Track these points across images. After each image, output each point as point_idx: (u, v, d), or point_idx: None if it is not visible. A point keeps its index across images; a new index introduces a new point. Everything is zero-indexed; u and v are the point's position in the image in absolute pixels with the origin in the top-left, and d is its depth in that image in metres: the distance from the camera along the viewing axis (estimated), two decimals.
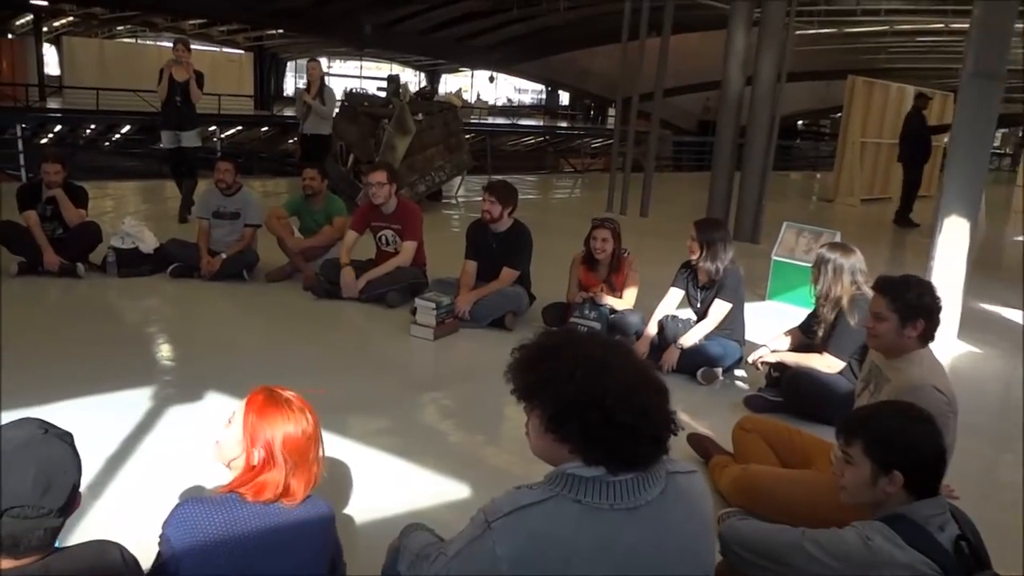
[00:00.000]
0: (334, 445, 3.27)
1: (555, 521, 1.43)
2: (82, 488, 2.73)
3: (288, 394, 1.88)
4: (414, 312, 4.82)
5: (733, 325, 4.39)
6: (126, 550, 1.64)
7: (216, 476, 1.92)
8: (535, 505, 1.44)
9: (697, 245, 4.28)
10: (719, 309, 4.31)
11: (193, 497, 1.82)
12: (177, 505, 1.79)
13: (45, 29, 31.19)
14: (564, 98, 44.01)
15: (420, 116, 9.17)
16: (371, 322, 5.15)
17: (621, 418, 1.43)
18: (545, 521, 1.43)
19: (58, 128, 21.92)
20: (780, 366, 3.95)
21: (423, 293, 4.94)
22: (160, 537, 1.76)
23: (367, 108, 9.50)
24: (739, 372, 4.48)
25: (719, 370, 4.34)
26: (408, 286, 5.33)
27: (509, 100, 49.34)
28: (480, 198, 5.26)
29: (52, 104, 26.68)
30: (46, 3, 26.07)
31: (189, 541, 1.72)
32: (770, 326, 4.73)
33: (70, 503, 1.48)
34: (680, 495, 1.52)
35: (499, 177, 9.33)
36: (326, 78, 9.15)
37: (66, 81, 28.77)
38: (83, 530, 2.59)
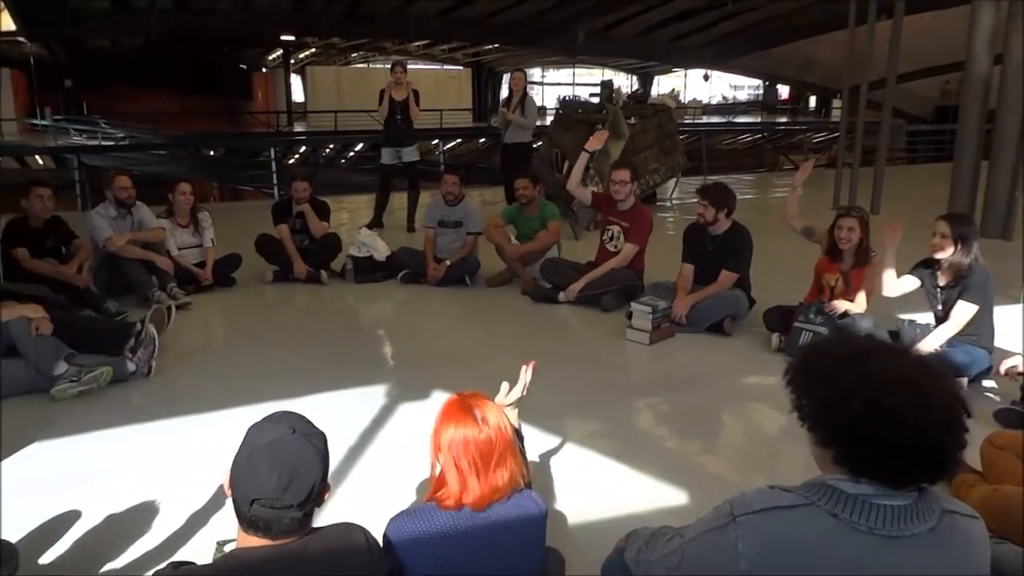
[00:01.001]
0: (551, 447, 3.36)
1: (806, 531, 1.34)
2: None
3: (477, 401, 1.92)
4: (630, 316, 4.82)
5: (980, 330, 3.98)
6: (369, 533, 1.76)
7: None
8: (787, 509, 1.37)
9: (950, 241, 3.92)
10: (964, 311, 3.92)
11: (404, 510, 1.93)
12: (392, 518, 1.91)
13: (292, 61, 34.61)
14: (783, 92, 41.98)
15: (633, 120, 9.15)
16: (586, 326, 5.22)
17: (906, 443, 1.31)
18: (795, 528, 1.35)
19: (303, 149, 24.19)
20: None
21: (639, 297, 4.94)
22: (383, 542, 1.88)
23: (581, 115, 9.61)
24: (988, 383, 4.04)
25: (965, 380, 3.94)
26: (624, 290, 5.34)
27: (724, 98, 47.88)
28: (695, 200, 5.17)
29: (298, 128, 29.55)
30: (293, 38, 28.85)
31: (406, 552, 1.84)
32: None
33: (311, 498, 1.58)
34: (955, 538, 1.37)
35: (714, 178, 9.10)
36: (532, 87, 9.31)
37: (309, 106, 31.77)
38: (326, 514, 2.85)
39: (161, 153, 19.23)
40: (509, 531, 1.88)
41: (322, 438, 1.65)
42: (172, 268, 5.62)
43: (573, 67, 43.86)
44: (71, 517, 2.80)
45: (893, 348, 1.53)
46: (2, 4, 17.18)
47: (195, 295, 5.65)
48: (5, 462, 3.25)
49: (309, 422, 1.67)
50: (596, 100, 10.73)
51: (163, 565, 1.75)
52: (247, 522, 1.57)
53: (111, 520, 2.80)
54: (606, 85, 10.75)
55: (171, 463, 3.24)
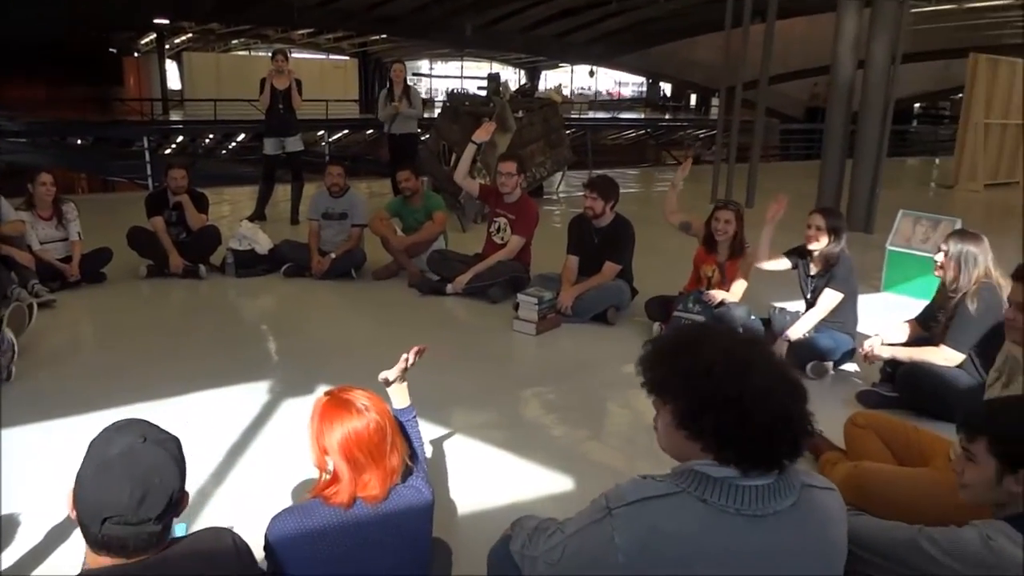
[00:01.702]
0: (438, 438, 3.36)
1: (678, 518, 1.39)
2: (207, 476, 2.92)
3: (351, 394, 1.88)
4: (516, 307, 4.88)
5: (844, 317, 4.23)
6: (238, 536, 1.67)
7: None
8: (659, 498, 1.41)
9: (825, 232, 4.14)
10: (830, 298, 4.16)
11: (286, 508, 1.87)
12: (273, 517, 1.84)
13: (167, 46, 33.07)
14: (666, 90, 43.32)
15: (520, 113, 9.23)
16: (474, 317, 5.24)
17: (759, 419, 1.38)
18: (668, 517, 1.39)
19: (180, 139, 23.16)
20: (894, 361, 3.79)
21: (525, 288, 4.99)
22: (264, 547, 1.82)
23: (468, 107, 9.62)
24: (851, 367, 4.31)
25: (829, 364, 4.20)
26: (510, 281, 5.39)
27: (609, 94, 48.96)
28: (581, 193, 5.26)
29: (174, 116, 28.26)
30: (168, 22, 27.57)
31: (286, 549, 1.78)
32: (885, 318, 4.54)
33: (170, 509, 1.47)
34: (814, 511, 1.46)
35: (600, 172, 9.28)
36: (420, 79, 9.20)
37: (186, 94, 30.41)
38: (205, 516, 2.76)
39: (22, 141, 17.99)
40: (395, 524, 1.85)
41: (176, 443, 1.53)
42: (33, 263, 5.25)
43: (461, 60, 43.86)
44: None
45: (734, 336, 1.62)
46: None
47: (60, 292, 5.31)
48: None
49: (159, 428, 1.54)
50: (483, 93, 10.75)
51: None
52: (98, 543, 1.43)
53: None
54: (493, 78, 10.83)
55: (34, 473, 3.04)
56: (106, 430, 1.50)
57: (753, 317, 4.51)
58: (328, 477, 1.86)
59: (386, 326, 5.08)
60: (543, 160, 9.36)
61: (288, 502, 2.79)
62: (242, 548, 1.65)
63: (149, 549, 1.46)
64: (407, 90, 8.46)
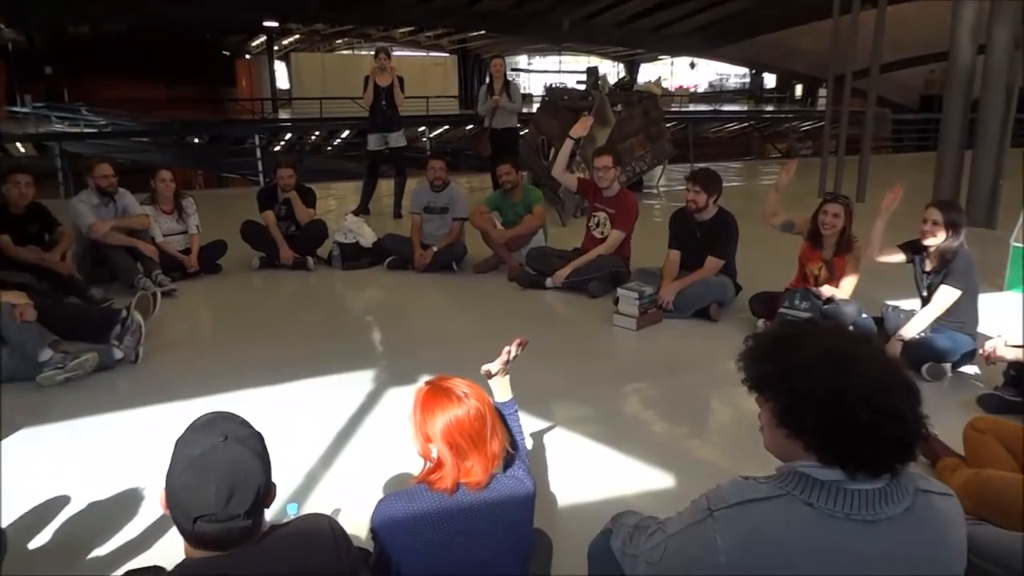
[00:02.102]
0: (538, 431, 3.37)
1: (782, 521, 1.35)
2: (315, 460, 3.03)
3: (451, 382, 1.91)
4: (617, 302, 4.85)
5: (964, 316, 4.01)
6: (335, 521, 1.70)
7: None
8: (762, 501, 1.38)
9: (942, 227, 3.94)
10: (946, 295, 3.94)
11: (394, 492, 1.92)
12: (380, 501, 1.89)
13: (276, 48, 34.33)
14: (770, 80, 42.06)
15: (619, 107, 9.15)
16: (574, 311, 5.23)
17: (863, 418, 1.32)
18: (771, 520, 1.36)
19: (288, 136, 24.03)
20: (1019, 363, 3.57)
21: (625, 283, 4.95)
22: (371, 530, 1.87)
23: (567, 102, 9.60)
24: (971, 369, 4.09)
25: (947, 366, 3.99)
26: (610, 276, 5.36)
27: (711, 85, 47.90)
28: (683, 187, 5.18)
29: (283, 115, 29.34)
30: (276, 24, 28.61)
31: (391, 533, 1.82)
32: (1009, 319, 4.29)
33: (258, 503, 1.50)
34: (931, 518, 1.38)
35: (702, 165, 9.12)
36: (519, 74, 9.20)
37: (294, 93, 31.56)
38: (313, 499, 2.86)
39: (144, 141, 19.04)
40: (497, 513, 1.87)
41: (259, 439, 1.55)
42: (157, 255, 5.59)
43: (559, 54, 43.77)
44: (59, 503, 2.80)
45: (838, 332, 1.55)
46: None
47: (181, 282, 5.62)
48: (10, 447, 3.24)
49: (243, 422, 1.56)
50: (582, 87, 10.70)
51: (122, 572, 1.69)
52: (192, 540, 1.48)
53: (96, 507, 2.80)
54: (592, 72, 10.76)
55: (157, 451, 3.21)
56: (189, 430, 1.53)
57: (864, 315, 4.33)
58: (425, 463, 1.91)
59: (486, 319, 5.14)
60: (643, 154, 9.26)
61: (392, 488, 2.87)
62: (338, 533, 1.67)
63: (243, 541, 1.49)
64: (507, 85, 8.51)
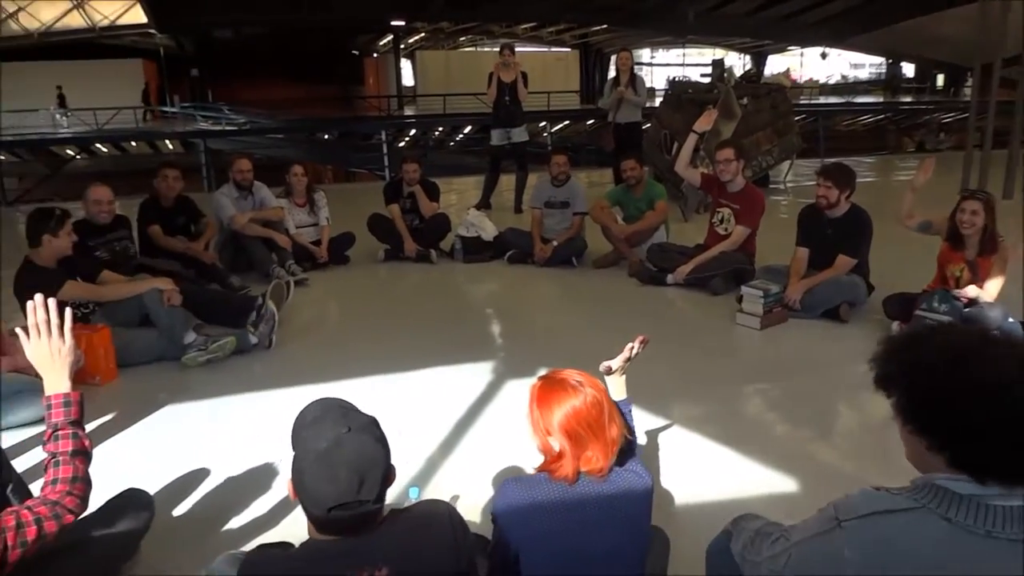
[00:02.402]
0: (655, 429, 3.34)
1: (917, 536, 1.28)
2: (432, 449, 3.11)
3: (563, 373, 1.91)
4: (740, 300, 4.72)
5: None
6: (453, 508, 1.75)
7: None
8: (895, 513, 1.30)
9: None
10: None
11: (514, 478, 1.93)
12: (500, 486, 1.91)
13: (402, 46, 35.27)
14: (909, 70, 39.83)
15: (746, 100, 8.89)
16: (695, 309, 5.14)
17: (988, 419, 1.24)
18: (904, 533, 1.28)
19: (412, 132, 24.69)
20: None
21: (750, 281, 4.82)
22: (491, 515, 1.90)
23: (691, 95, 9.41)
24: None
25: None
26: (734, 273, 5.23)
27: (844, 77, 45.80)
28: (812, 182, 4.98)
29: (408, 111, 30.17)
30: (403, 23, 29.40)
31: (510, 520, 1.83)
32: None
33: (384, 488, 1.57)
34: None
35: (833, 160, 8.74)
36: (641, 68, 9.06)
37: (419, 90, 32.37)
38: (433, 485, 2.93)
39: (279, 137, 20.01)
40: (616, 506, 1.86)
41: (376, 424, 1.62)
42: (290, 245, 5.88)
43: (683, 47, 42.91)
44: (200, 475, 3.00)
45: (977, 333, 1.41)
46: None
47: (312, 272, 5.89)
48: (142, 422, 3.50)
49: (357, 410, 1.62)
50: (707, 80, 10.47)
51: (254, 546, 1.78)
52: (323, 526, 1.55)
53: (232, 481, 2.98)
54: (717, 64, 10.53)
55: (288, 431, 3.38)
56: (310, 423, 1.60)
57: (1011, 320, 4.04)
58: (544, 455, 1.91)
59: (605, 314, 5.12)
60: (770, 148, 8.97)
61: (511, 475, 2.91)
62: (456, 519, 1.72)
63: (369, 525, 1.57)
64: (633, 78, 8.41)
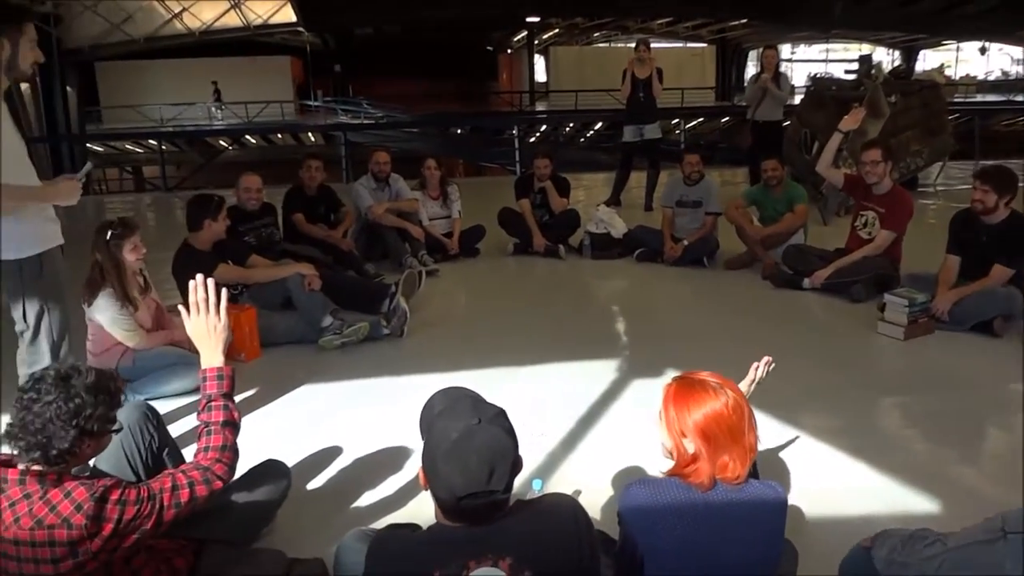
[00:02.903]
0: (786, 439, 3.22)
1: None
2: (555, 443, 3.13)
3: (702, 375, 1.85)
4: (882, 308, 4.48)
5: None
6: (578, 505, 1.75)
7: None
8: None
9: None
10: None
11: (640, 479, 1.88)
12: (627, 486, 1.86)
13: (536, 42, 35.50)
14: None
15: (895, 97, 8.42)
16: (833, 316, 4.92)
17: None
18: None
19: (543, 127, 24.82)
20: None
21: (894, 288, 4.58)
22: (618, 515, 1.87)
23: (835, 92, 9.01)
24: None
25: None
26: (876, 279, 4.97)
27: (1004, 73, 42.58)
28: (965, 186, 4.67)
29: (539, 107, 30.35)
30: (538, 19, 29.59)
31: (637, 521, 1.80)
32: None
33: (513, 477, 1.60)
34: None
35: (991, 163, 8.16)
36: (784, 64, 8.73)
37: (551, 86, 32.50)
38: (556, 479, 2.94)
39: (414, 131, 20.58)
40: (749, 516, 1.80)
41: (504, 415, 1.65)
42: (423, 236, 6.05)
43: (826, 43, 41.10)
44: (333, 452, 3.15)
45: None
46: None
47: (442, 263, 6.04)
48: (281, 399, 3.70)
49: (485, 401, 1.65)
50: (851, 77, 9.99)
51: (382, 525, 1.84)
52: (454, 515, 1.59)
53: (364, 460, 3.11)
54: (865, 60, 10.06)
55: (415, 416, 3.49)
56: (443, 413, 1.65)
57: None
58: (677, 459, 1.86)
59: (736, 317, 4.99)
60: (919, 149, 8.45)
61: (632, 475, 2.89)
62: (581, 515, 1.71)
63: (496, 514, 1.60)
64: (777, 77, 8.13)
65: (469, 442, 1.55)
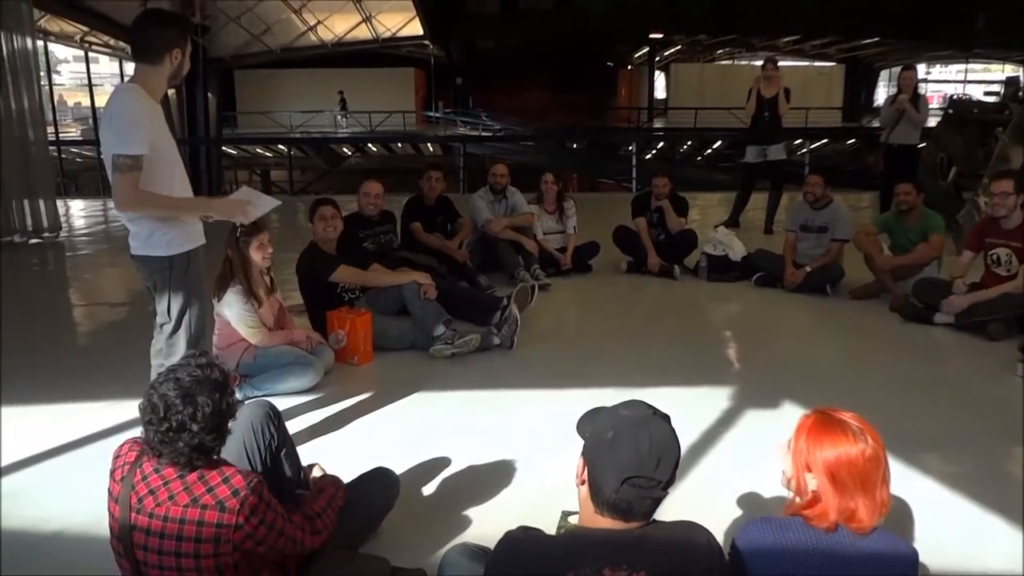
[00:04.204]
0: (911, 484, 3.03)
1: None
2: None
3: (844, 415, 1.75)
4: (1023, 349, 4.17)
5: None
6: (712, 536, 1.70)
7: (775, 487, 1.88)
8: None
9: None
10: None
11: (762, 518, 1.80)
12: (747, 523, 1.80)
13: (657, 58, 35.16)
14: None
15: None
16: (965, 354, 4.61)
17: None
18: None
19: (660, 144, 24.56)
20: None
21: None
22: (731, 550, 1.78)
23: (977, 115, 8.52)
24: None
25: None
26: (1018, 319, 4.63)
27: None
28: None
29: (657, 124, 30.04)
30: (661, 36, 29.28)
31: (756, 560, 1.72)
32: None
33: (673, 479, 1.60)
34: None
35: None
36: (922, 86, 8.24)
37: (671, 103, 32.11)
38: (668, 507, 2.86)
39: (531, 144, 20.75)
40: (877, 566, 1.69)
41: (669, 422, 1.67)
42: (537, 250, 6.06)
43: (965, 63, 38.92)
44: (442, 462, 3.17)
45: None
46: (415, 13, 19.82)
47: (555, 278, 6.03)
48: (392, 405, 3.78)
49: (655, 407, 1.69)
50: (992, 99, 9.41)
51: (515, 527, 1.83)
52: (608, 505, 1.59)
53: (472, 471, 3.11)
54: (1012, 82, 9.43)
55: (525, 429, 3.49)
56: (615, 405, 1.69)
57: None
58: (800, 496, 1.78)
59: (860, 350, 4.75)
60: None
61: (746, 510, 2.79)
62: (715, 548, 1.68)
63: (646, 516, 1.60)
64: (916, 99, 7.71)
65: (645, 427, 1.59)
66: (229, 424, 1.89)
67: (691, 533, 1.70)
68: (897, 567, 1.71)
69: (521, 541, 1.68)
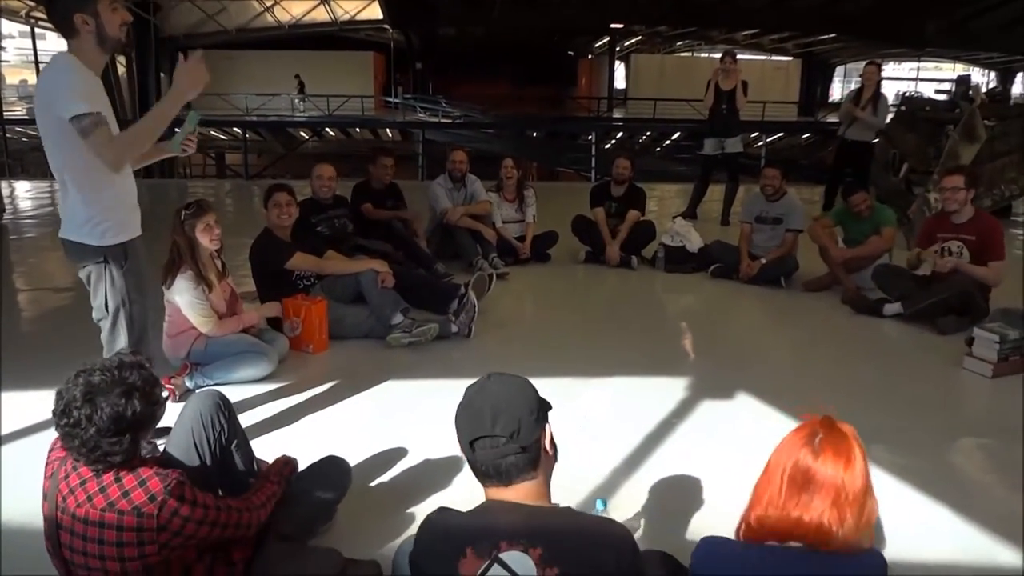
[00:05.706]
0: None
1: None
2: (618, 461, 3.03)
3: (848, 428, 1.67)
4: (970, 343, 4.26)
5: None
6: (629, 535, 1.66)
7: (740, 488, 1.87)
8: None
9: None
10: None
11: (723, 538, 1.72)
12: (704, 538, 1.74)
13: (617, 49, 35.26)
14: None
15: (992, 121, 8.07)
16: (915, 347, 4.70)
17: None
18: None
19: (620, 135, 24.64)
20: None
21: (981, 320, 4.36)
22: (689, 567, 1.73)
23: (928, 113, 8.68)
24: None
25: None
26: (961, 299, 4.70)
27: None
28: None
29: (616, 114, 30.14)
30: (621, 26, 29.36)
31: None
32: None
33: (521, 433, 1.61)
34: None
35: None
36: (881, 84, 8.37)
37: (630, 93, 32.24)
38: (619, 499, 2.86)
39: (491, 132, 20.65)
40: None
41: (524, 381, 1.71)
42: (495, 239, 6.03)
43: (918, 61, 39.76)
44: (398, 453, 3.14)
45: None
46: None
47: (513, 267, 6.02)
48: (347, 394, 3.73)
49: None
50: (943, 97, 9.61)
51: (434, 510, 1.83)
52: (480, 473, 1.65)
53: (428, 462, 3.08)
54: (963, 81, 9.64)
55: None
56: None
57: None
58: (775, 511, 1.64)
59: (811, 342, 4.83)
60: (1015, 176, 8.07)
61: (699, 501, 2.81)
62: (627, 544, 1.64)
63: (524, 476, 1.62)
64: (876, 97, 7.82)
65: (481, 390, 1.68)
66: (146, 432, 1.84)
67: (604, 525, 1.72)
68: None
69: (435, 520, 1.71)
